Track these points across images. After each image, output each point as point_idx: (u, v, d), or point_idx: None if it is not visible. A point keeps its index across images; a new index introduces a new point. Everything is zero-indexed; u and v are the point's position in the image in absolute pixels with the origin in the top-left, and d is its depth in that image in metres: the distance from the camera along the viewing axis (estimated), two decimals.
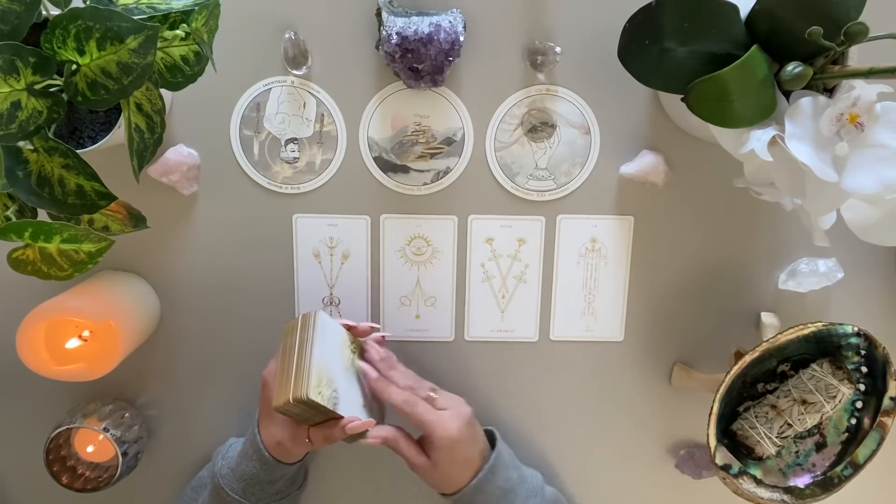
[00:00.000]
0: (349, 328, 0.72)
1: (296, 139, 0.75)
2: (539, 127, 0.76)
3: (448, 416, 0.70)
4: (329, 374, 0.66)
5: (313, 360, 0.65)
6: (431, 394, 0.71)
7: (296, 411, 0.66)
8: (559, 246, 0.79)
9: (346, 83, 0.74)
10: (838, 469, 0.71)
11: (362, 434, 0.69)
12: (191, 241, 0.77)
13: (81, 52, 0.51)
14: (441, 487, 0.72)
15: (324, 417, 0.67)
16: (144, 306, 0.76)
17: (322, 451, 0.82)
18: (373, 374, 0.71)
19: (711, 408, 0.70)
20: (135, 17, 0.51)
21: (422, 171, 0.76)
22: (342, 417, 0.67)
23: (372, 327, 0.73)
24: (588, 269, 0.79)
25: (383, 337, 0.75)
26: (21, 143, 0.53)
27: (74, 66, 0.52)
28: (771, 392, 0.74)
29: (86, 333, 0.71)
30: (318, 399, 0.64)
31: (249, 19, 0.73)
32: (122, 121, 0.59)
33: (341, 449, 0.77)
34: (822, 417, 0.72)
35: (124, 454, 0.74)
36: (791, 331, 0.70)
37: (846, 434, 0.73)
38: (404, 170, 0.76)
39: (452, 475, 0.70)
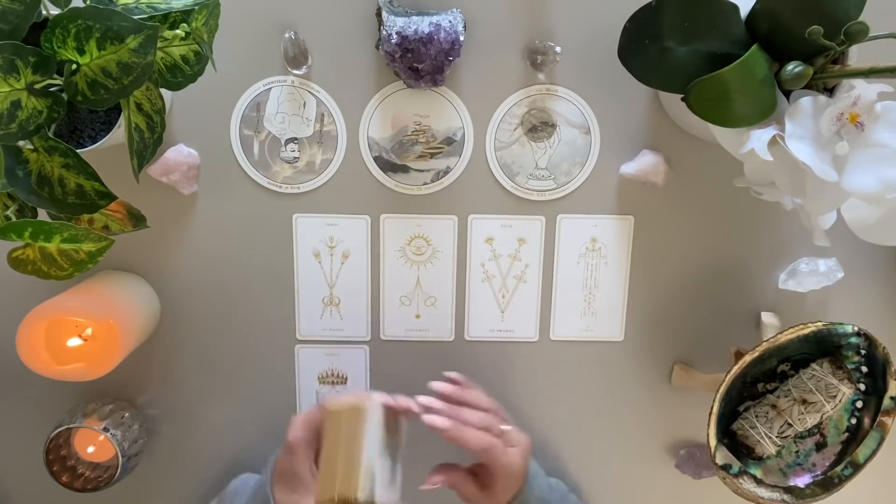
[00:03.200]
0: (386, 405, 0.67)
1: (296, 139, 0.75)
2: (539, 127, 0.76)
3: (515, 453, 0.69)
4: (372, 466, 0.64)
5: (364, 460, 0.64)
6: (505, 427, 0.69)
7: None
8: (559, 246, 0.79)
9: (346, 83, 0.74)
10: (838, 469, 0.71)
11: None
12: (191, 241, 0.77)
13: (81, 52, 0.51)
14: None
15: None
16: (144, 306, 0.76)
17: None
18: (443, 424, 0.67)
19: (711, 408, 0.70)
20: (135, 17, 0.51)
21: (422, 170, 0.76)
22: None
23: (410, 409, 0.68)
24: (588, 269, 0.79)
25: (411, 409, 0.68)
26: (21, 143, 0.53)
27: (74, 66, 0.52)
28: (771, 392, 0.74)
29: (88, 332, 0.71)
30: (361, 497, 0.63)
31: (249, 19, 0.73)
32: (122, 120, 0.59)
33: None
34: (822, 417, 0.72)
35: (124, 454, 0.74)
36: (791, 330, 0.70)
37: (846, 434, 0.73)
38: (404, 169, 0.76)
39: (499, 499, 0.70)
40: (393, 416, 0.69)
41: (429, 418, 0.68)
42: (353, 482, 0.63)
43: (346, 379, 0.81)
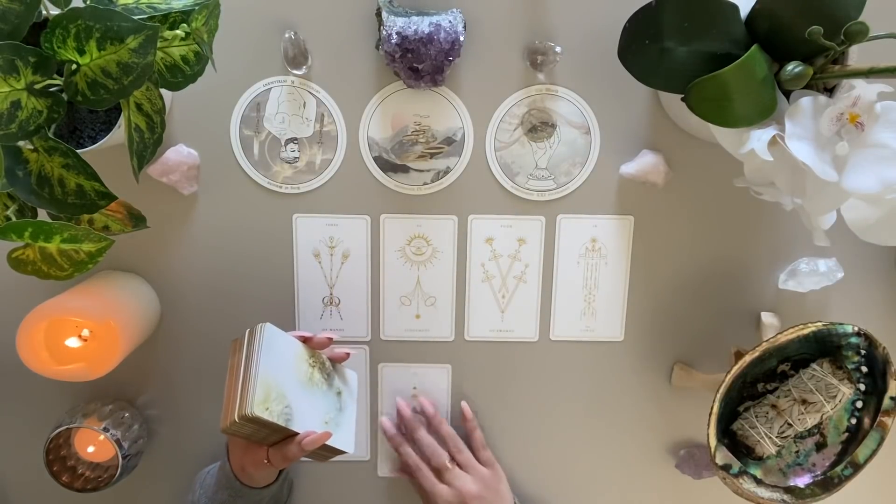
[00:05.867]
0: (305, 340, 0.70)
1: (296, 139, 0.75)
2: (539, 127, 0.76)
3: (445, 492, 0.75)
4: (279, 388, 0.64)
5: (259, 375, 0.63)
6: (447, 463, 0.76)
7: (247, 431, 0.63)
8: (559, 246, 0.79)
9: (346, 83, 0.74)
10: (838, 469, 0.71)
11: (332, 450, 0.67)
12: (191, 241, 0.77)
13: (81, 52, 0.51)
14: None
15: (280, 436, 0.65)
16: (144, 306, 0.76)
17: (313, 463, 0.81)
18: (390, 429, 0.80)
19: (711, 408, 0.70)
20: (135, 17, 0.51)
21: (422, 170, 0.76)
22: (297, 434, 0.65)
23: (329, 339, 0.71)
24: (588, 269, 0.79)
25: (346, 353, 0.73)
26: (21, 143, 0.53)
27: (74, 66, 0.52)
28: (771, 392, 0.74)
29: (85, 332, 0.71)
30: (265, 415, 0.62)
31: (249, 19, 0.73)
32: (122, 120, 0.59)
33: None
34: (822, 417, 0.72)
35: (124, 455, 0.74)
36: (791, 331, 0.70)
37: (846, 434, 0.73)
38: (404, 169, 0.76)
39: None
40: (324, 352, 0.72)
41: (382, 420, 0.81)
42: (249, 399, 0.62)
43: None
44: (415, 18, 0.69)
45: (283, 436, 0.66)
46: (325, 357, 0.72)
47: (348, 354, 0.73)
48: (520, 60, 0.75)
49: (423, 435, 0.78)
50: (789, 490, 0.71)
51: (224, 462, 0.71)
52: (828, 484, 0.71)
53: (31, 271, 0.56)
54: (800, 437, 0.73)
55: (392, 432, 0.80)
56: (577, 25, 0.74)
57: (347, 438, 0.70)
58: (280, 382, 0.65)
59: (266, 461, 0.67)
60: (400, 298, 0.80)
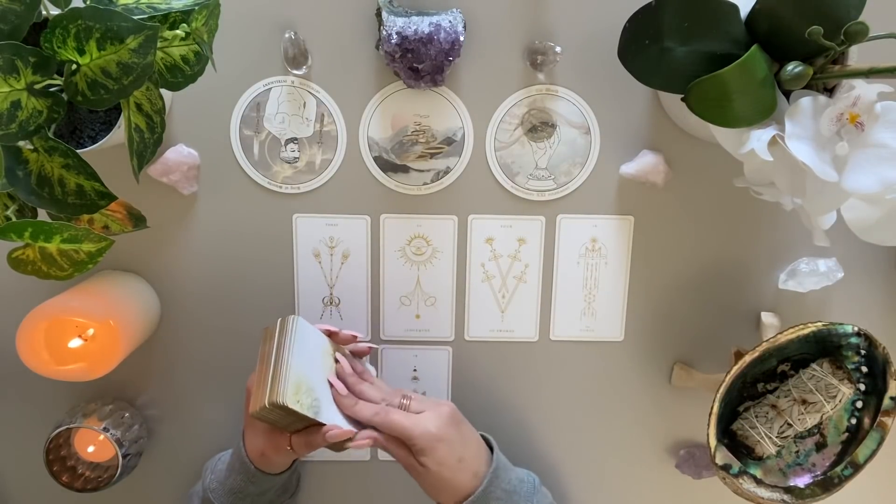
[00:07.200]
0: (330, 335, 0.71)
1: (296, 139, 0.75)
2: (539, 127, 0.76)
3: (424, 416, 0.66)
4: (309, 381, 0.66)
5: (291, 366, 0.65)
6: (404, 401, 0.68)
7: (274, 417, 0.65)
8: (559, 246, 0.79)
9: (346, 83, 0.74)
10: (838, 469, 0.71)
11: (347, 440, 0.67)
12: (191, 241, 0.77)
13: (81, 52, 0.51)
14: (441, 496, 0.67)
15: (305, 424, 0.67)
16: (144, 306, 0.76)
17: (314, 455, 0.81)
18: (342, 389, 0.69)
19: (711, 408, 0.70)
20: (135, 17, 0.51)
21: (422, 170, 0.76)
22: (324, 424, 0.65)
23: (354, 336, 0.71)
24: (588, 269, 0.79)
25: (369, 347, 0.73)
26: (21, 143, 0.53)
27: (74, 66, 0.52)
28: (771, 392, 0.74)
29: (90, 332, 0.71)
30: (296, 407, 0.63)
31: (249, 19, 0.73)
32: (122, 121, 0.59)
33: (334, 454, 0.77)
34: (822, 417, 0.72)
35: (124, 454, 0.74)
36: (791, 331, 0.70)
37: (846, 434, 0.73)
38: (404, 170, 0.76)
39: (446, 479, 0.66)
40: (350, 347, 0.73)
41: (331, 380, 0.69)
42: (281, 388, 0.63)
43: None
44: (415, 18, 0.69)
45: (306, 424, 0.67)
46: (347, 352, 0.73)
47: (371, 349, 0.74)
48: (520, 60, 0.75)
49: (368, 387, 0.70)
50: (789, 490, 0.71)
51: (239, 447, 0.71)
52: (828, 484, 0.71)
53: (31, 271, 0.56)
54: (800, 437, 0.73)
55: (345, 391, 0.69)
56: (577, 25, 0.74)
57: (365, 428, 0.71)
58: (309, 374, 0.66)
59: (289, 447, 0.68)
60: (400, 298, 0.80)
